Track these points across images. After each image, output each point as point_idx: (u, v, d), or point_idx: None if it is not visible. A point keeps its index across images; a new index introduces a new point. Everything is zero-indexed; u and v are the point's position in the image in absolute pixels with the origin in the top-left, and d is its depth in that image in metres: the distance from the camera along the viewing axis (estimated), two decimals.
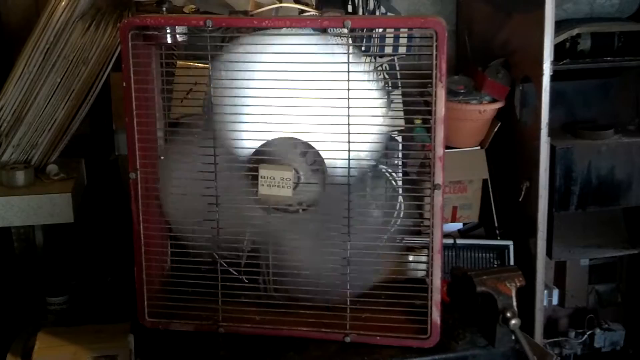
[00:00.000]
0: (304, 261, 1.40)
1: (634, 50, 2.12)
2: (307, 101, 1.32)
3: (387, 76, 1.62)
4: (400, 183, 1.43)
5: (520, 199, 2.01)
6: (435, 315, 1.38)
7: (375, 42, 1.57)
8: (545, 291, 2.10)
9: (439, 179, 1.33)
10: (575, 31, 2.09)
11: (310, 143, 1.37)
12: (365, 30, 1.42)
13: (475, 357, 1.40)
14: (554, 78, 1.91)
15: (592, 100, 2.22)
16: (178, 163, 1.42)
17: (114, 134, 1.85)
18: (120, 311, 1.58)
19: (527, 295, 1.97)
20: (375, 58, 1.65)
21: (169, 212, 1.46)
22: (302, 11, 1.43)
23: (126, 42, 1.35)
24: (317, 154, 1.38)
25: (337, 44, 1.33)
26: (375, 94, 1.35)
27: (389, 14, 1.93)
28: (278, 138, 1.38)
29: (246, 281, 1.45)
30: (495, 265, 2.06)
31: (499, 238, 2.12)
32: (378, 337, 1.40)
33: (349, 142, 1.33)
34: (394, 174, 1.42)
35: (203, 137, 1.39)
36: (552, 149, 1.99)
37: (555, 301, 2.30)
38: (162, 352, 1.42)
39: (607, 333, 2.35)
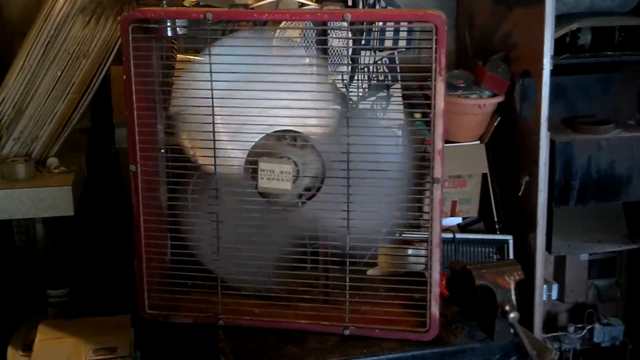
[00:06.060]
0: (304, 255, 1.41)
1: (635, 45, 2.11)
2: (307, 94, 1.32)
3: (386, 70, 1.62)
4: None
5: (519, 194, 2.01)
6: (434, 309, 1.38)
7: (375, 35, 1.57)
8: (545, 286, 2.09)
9: (438, 172, 1.33)
10: (575, 25, 2.08)
11: (308, 136, 1.37)
12: (365, 23, 1.42)
13: (474, 350, 1.40)
14: (554, 72, 1.91)
15: (592, 94, 2.21)
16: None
17: (114, 128, 1.85)
18: (120, 303, 1.59)
19: (526, 290, 1.98)
20: (375, 52, 1.65)
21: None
22: (302, 4, 1.43)
23: (127, 35, 1.35)
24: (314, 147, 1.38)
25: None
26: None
27: (388, 7, 1.92)
28: (277, 131, 1.38)
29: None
30: (494, 260, 2.06)
31: (498, 233, 2.12)
32: (377, 330, 1.40)
33: (348, 135, 1.33)
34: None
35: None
36: (552, 144, 1.99)
37: (554, 296, 2.29)
38: (162, 344, 1.43)
39: (607, 328, 2.35)
